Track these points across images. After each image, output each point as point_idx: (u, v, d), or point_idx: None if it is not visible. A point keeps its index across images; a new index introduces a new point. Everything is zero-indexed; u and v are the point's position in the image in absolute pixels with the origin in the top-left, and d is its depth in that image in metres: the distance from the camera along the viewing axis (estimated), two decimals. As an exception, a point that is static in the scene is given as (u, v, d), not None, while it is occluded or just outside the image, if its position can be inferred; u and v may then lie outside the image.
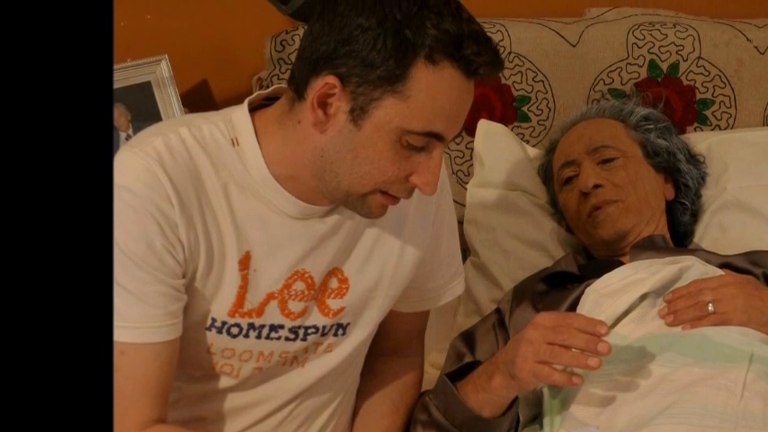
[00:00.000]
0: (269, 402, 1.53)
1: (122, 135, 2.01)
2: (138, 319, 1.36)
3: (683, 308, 1.59)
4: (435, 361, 1.93)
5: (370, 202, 1.40)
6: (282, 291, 1.46)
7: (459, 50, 1.31)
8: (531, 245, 2.02)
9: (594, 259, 1.90)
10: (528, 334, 1.47)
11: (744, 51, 2.16)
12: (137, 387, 1.37)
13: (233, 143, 1.42)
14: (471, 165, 2.13)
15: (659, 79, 2.15)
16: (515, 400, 1.57)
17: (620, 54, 2.15)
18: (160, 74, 2.03)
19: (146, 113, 2.02)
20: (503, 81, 2.13)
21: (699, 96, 2.16)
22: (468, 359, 1.70)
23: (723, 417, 1.41)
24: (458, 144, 2.14)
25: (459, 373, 1.64)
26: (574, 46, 2.15)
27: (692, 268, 1.68)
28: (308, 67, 1.35)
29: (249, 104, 1.45)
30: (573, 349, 1.43)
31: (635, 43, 2.15)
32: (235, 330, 1.46)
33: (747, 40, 2.17)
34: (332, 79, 1.33)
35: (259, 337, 1.47)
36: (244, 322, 1.46)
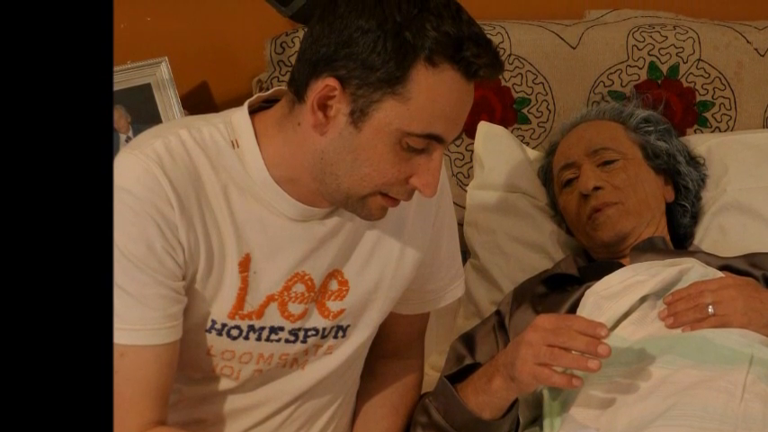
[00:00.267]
0: (269, 404, 1.53)
1: (122, 137, 2.01)
2: (138, 321, 1.36)
3: (683, 310, 1.59)
4: (435, 363, 1.93)
5: (370, 204, 1.40)
6: (282, 293, 1.46)
7: (459, 53, 1.31)
8: (531, 247, 2.02)
9: (594, 261, 1.89)
10: (528, 336, 1.47)
11: (744, 53, 2.16)
12: (137, 389, 1.37)
13: (233, 145, 1.42)
14: (471, 167, 2.13)
15: (659, 81, 2.15)
16: (515, 402, 1.57)
17: (620, 56, 2.15)
18: (160, 76, 2.03)
19: (146, 115, 2.01)
20: (503, 83, 2.13)
21: (699, 98, 2.16)
22: (468, 361, 1.70)
23: (723, 419, 1.41)
24: (458, 146, 2.14)
25: (459, 375, 1.64)
26: (574, 48, 2.15)
27: (692, 270, 1.68)
28: (308, 70, 1.35)
29: (249, 106, 1.45)
30: (573, 351, 1.42)
31: (635, 45, 2.15)
32: (235, 332, 1.46)
33: (747, 42, 2.17)
34: (332, 81, 1.33)
35: (259, 339, 1.47)
36: (244, 324, 1.46)
